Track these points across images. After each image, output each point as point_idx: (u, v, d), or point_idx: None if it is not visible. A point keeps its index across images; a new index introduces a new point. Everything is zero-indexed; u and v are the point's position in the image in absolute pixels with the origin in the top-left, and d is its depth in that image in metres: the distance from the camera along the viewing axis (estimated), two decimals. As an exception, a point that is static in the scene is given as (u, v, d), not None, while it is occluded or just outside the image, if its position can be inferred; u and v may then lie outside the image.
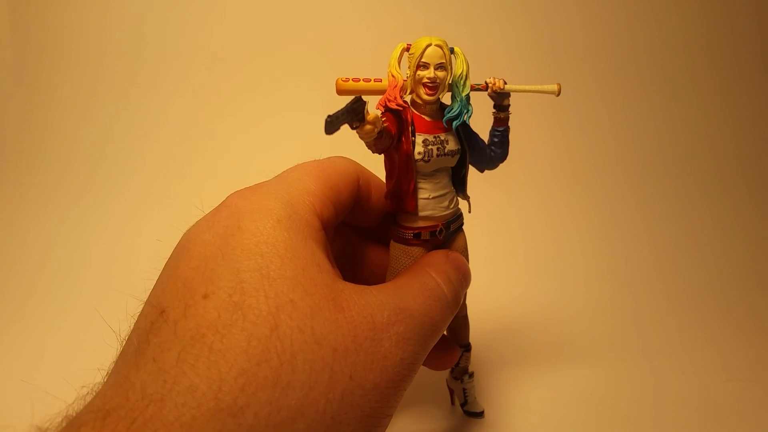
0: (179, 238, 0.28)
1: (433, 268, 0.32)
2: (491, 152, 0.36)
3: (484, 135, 0.36)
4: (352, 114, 0.27)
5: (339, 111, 0.26)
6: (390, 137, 0.31)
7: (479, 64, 0.39)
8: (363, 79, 0.33)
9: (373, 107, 0.30)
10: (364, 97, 0.27)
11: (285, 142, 0.73)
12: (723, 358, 0.51)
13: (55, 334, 0.55)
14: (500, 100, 0.35)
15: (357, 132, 0.28)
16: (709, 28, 0.87)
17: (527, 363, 0.50)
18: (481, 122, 0.36)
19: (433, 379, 0.43)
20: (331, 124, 0.26)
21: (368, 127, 0.28)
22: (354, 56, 0.75)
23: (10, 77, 0.83)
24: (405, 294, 0.29)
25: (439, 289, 0.30)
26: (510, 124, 0.36)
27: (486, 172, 0.38)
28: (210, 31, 0.83)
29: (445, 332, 0.41)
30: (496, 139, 0.36)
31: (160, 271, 0.27)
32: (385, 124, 0.30)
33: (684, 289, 0.62)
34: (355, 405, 0.24)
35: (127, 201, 0.77)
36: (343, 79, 0.32)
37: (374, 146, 0.31)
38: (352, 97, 0.27)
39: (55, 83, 0.83)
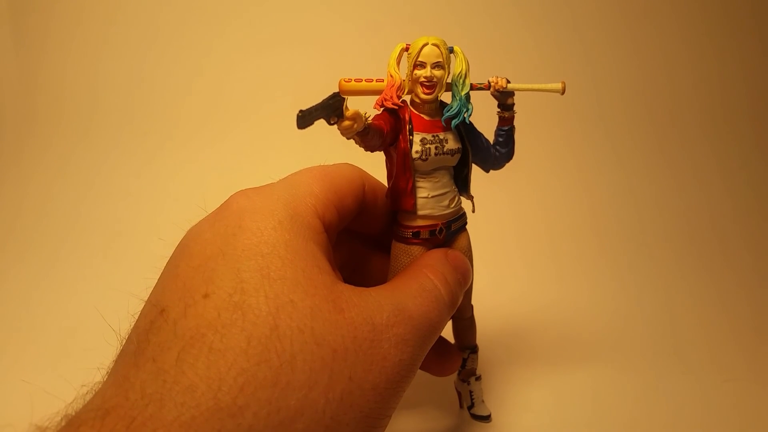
0: (181, 238, 0.28)
1: (430, 268, 0.32)
2: (496, 152, 0.36)
3: (490, 135, 0.36)
4: (328, 109, 0.26)
5: (313, 106, 0.26)
6: (380, 135, 0.31)
7: (483, 63, 0.39)
8: (365, 80, 0.33)
9: (359, 106, 0.29)
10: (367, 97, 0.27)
11: (292, 147, 0.73)
12: (723, 358, 0.51)
13: (55, 332, 0.55)
14: (503, 99, 0.35)
15: (337, 128, 0.28)
16: (712, 22, 0.87)
17: (528, 363, 0.50)
18: (487, 122, 0.36)
19: (441, 382, 0.43)
20: (303, 119, 0.26)
21: (347, 123, 0.28)
22: (358, 57, 0.75)
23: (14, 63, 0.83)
24: (403, 295, 0.29)
25: (436, 290, 0.30)
26: (514, 123, 0.36)
27: (491, 171, 0.38)
28: (219, 30, 0.83)
29: (451, 338, 0.41)
30: (500, 139, 0.36)
31: (161, 271, 0.27)
32: (371, 122, 0.30)
33: (684, 290, 0.62)
34: (355, 405, 0.24)
35: (130, 200, 0.76)
36: (346, 80, 0.33)
37: (362, 144, 0.31)
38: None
39: (61, 78, 0.83)
